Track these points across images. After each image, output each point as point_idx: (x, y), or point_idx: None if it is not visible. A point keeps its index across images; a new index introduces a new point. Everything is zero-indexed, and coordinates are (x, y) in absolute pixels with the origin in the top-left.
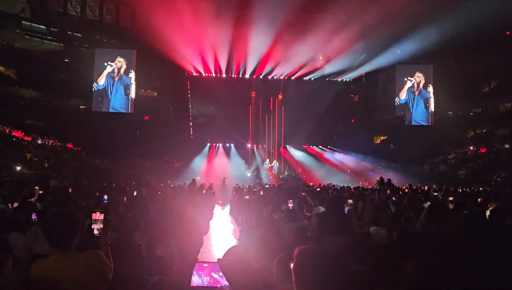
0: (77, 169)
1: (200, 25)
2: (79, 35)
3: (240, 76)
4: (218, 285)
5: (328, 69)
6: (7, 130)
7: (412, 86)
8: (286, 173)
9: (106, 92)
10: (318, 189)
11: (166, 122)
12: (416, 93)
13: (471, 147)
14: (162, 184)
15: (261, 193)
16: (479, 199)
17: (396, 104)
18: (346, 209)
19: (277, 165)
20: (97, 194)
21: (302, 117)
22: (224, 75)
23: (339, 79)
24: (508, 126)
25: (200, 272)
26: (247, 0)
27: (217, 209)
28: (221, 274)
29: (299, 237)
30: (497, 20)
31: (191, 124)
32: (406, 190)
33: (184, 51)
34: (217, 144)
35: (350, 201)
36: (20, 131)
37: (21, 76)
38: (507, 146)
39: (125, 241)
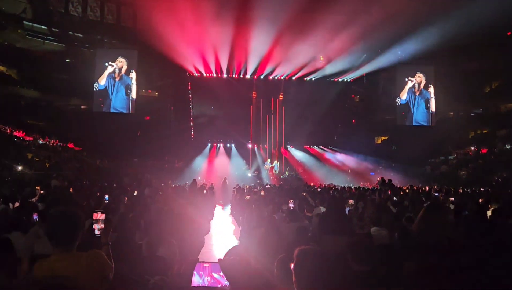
0: (78, 169)
1: (201, 25)
2: (80, 35)
3: (241, 76)
4: (219, 285)
5: (329, 69)
6: (9, 130)
7: (413, 86)
8: (286, 173)
9: (107, 92)
10: (319, 189)
11: (167, 122)
12: (417, 94)
13: (472, 148)
14: (163, 184)
15: (262, 193)
16: (480, 200)
17: (397, 104)
18: (347, 209)
19: (278, 165)
20: (98, 194)
21: (303, 117)
22: (225, 75)
23: (340, 80)
24: (509, 126)
25: (201, 272)
26: (248, 1)
27: (218, 209)
28: (221, 274)
29: (299, 238)
30: (498, 21)
31: (192, 124)
32: (407, 191)
33: (185, 51)
34: (218, 144)
35: (350, 201)
36: (21, 131)
37: (22, 76)
38: (508, 146)
39: (126, 241)
